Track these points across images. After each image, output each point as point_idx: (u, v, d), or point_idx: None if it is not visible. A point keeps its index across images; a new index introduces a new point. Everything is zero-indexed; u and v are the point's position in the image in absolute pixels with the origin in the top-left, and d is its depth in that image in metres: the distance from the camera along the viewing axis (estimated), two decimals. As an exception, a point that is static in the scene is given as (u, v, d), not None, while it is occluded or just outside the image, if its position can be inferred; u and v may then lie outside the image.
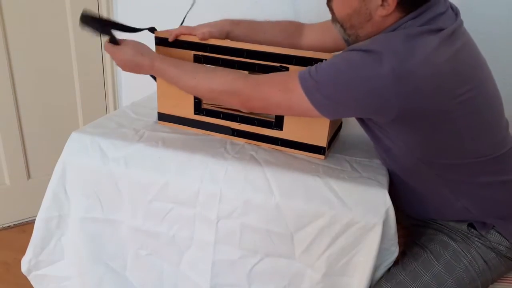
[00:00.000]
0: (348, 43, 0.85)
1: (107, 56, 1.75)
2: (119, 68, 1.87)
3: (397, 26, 0.75)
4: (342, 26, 0.82)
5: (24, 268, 1.02)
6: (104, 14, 1.68)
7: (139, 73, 0.93)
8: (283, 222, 0.83)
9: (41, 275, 1.04)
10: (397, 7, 0.74)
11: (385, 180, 0.84)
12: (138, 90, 1.39)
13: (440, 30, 0.72)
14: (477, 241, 0.87)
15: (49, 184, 0.95)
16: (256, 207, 0.84)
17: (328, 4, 0.83)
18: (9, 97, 1.57)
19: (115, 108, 1.85)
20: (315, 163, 0.88)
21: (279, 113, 0.88)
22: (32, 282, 1.06)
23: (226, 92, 0.83)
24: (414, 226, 0.99)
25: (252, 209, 0.84)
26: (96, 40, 1.71)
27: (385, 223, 0.78)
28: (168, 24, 1.16)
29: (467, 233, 0.88)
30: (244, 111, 0.90)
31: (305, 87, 0.75)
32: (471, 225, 0.88)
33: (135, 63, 0.90)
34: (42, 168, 1.74)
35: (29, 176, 1.73)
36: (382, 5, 0.74)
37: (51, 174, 0.95)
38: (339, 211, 0.79)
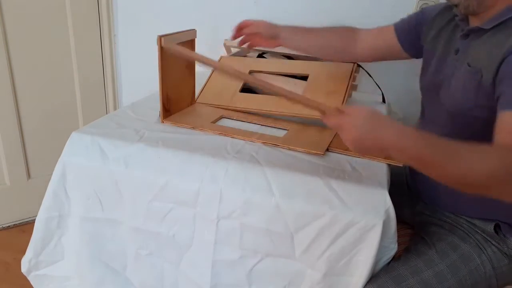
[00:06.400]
0: (464, 14, 0.84)
1: (107, 56, 1.75)
2: (119, 68, 1.87)
3: None
4: None
5: (24, 268, 1.02)
6: (104, 14, 1.68)
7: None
8: (283, 222, 0.83)
9: (41, 275, 1.04)
10: None
11: (385, 180, 0.84)
12: (138, 90, 1.39)
13: None
14: (494, 244, 0.87)
15: (49, 184, 0.95)
16: (256, 207, 0.84)
17: None
18: (9, 97, 1.57)
19: (115, 108, 1.85)
20: (315, 163, 0.88)
21: None
22: (32, 282, 1.06)
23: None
24: (426, 223, 0.97)
25: (252, 209, 0.84)
26: (96, 40, 1.71)
27: (385, 223, 0.78)
28: (167, 24, 1.16)
29: (486, 236, 0.87)
30: None
31: None
32: (497, 226, 0.87)
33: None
34: (42, 168, 1.75)
35: (29, 176, 1.74)
36: None
37: (51, 174, 0.95)
38: (339, 211, 0.79)
